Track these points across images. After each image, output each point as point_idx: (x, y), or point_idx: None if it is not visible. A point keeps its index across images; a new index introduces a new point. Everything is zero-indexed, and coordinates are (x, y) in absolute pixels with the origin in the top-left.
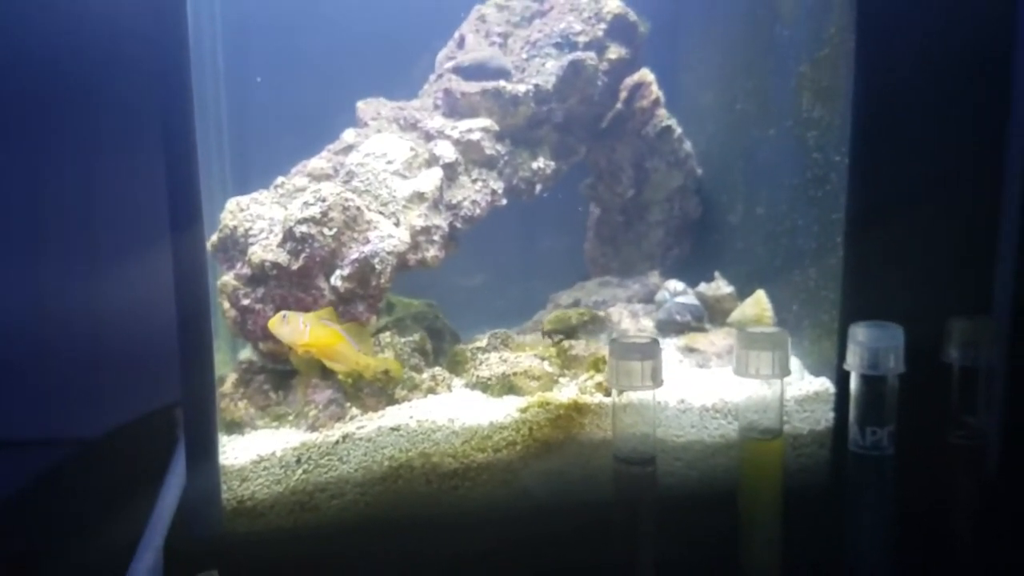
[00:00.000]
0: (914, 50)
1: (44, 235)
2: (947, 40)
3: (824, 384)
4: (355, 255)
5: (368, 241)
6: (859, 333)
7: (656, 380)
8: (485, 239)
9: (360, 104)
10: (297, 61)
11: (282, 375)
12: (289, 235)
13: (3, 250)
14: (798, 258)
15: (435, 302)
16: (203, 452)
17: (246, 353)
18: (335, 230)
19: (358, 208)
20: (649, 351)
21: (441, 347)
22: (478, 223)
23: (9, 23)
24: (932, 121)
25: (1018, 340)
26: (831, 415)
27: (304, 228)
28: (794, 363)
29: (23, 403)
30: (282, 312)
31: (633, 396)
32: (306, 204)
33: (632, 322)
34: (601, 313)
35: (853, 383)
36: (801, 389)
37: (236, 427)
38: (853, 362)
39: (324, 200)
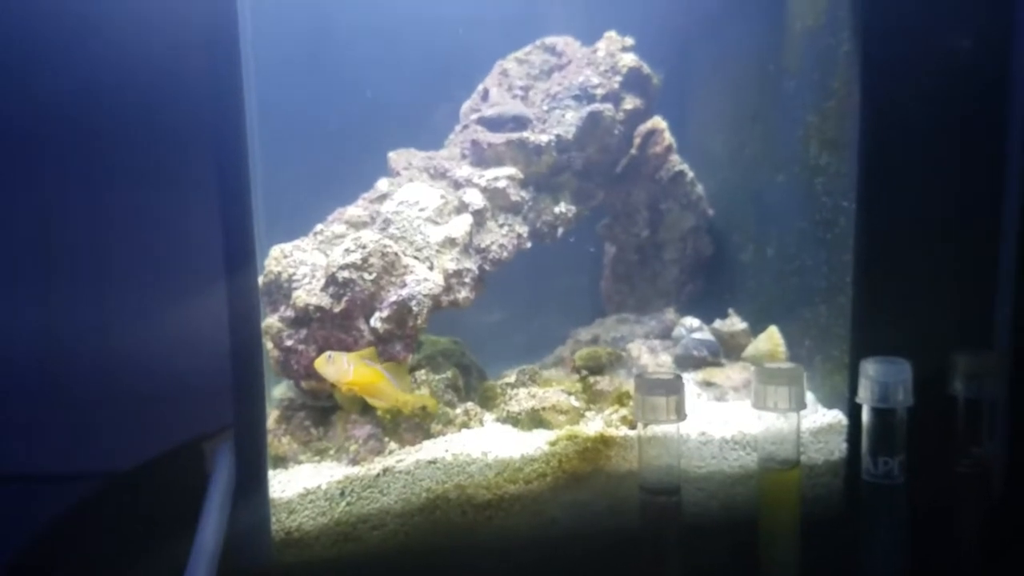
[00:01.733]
0: (916, 101)
1: (74, 265)
2: (947, 92)
3: (837, 416)
4: (393, 298)
5: (405, 284)
6: (869, 368)
7: (680, 414)
8: (504, 277)
9: (391, 154)
10: (315, 111)
11: (322, 412)
12: (332, 280)
13: (41, 280)
14: (808, 296)
15: (460, 339)
16: (254, 485)
17: (279, 391)
18: (375, 275)
19: (395, 254)
20: (673, 387)
21: (469, 383)
22: (504, 265)
23: (63, 52)
24: (934, 168)
25: (1020, 373)
26: (844, 446)
27: (346, 273)
28: (808, 396)
29: (54, 437)
30: (327, 353)
31: (658, 429)
32: (347, 251)
33: (651, 357)
34: (623, 352)
35: (865, 415)
36: (815, 421)
37: (280, 461)
38: (864, 395)
39: (364, 247)
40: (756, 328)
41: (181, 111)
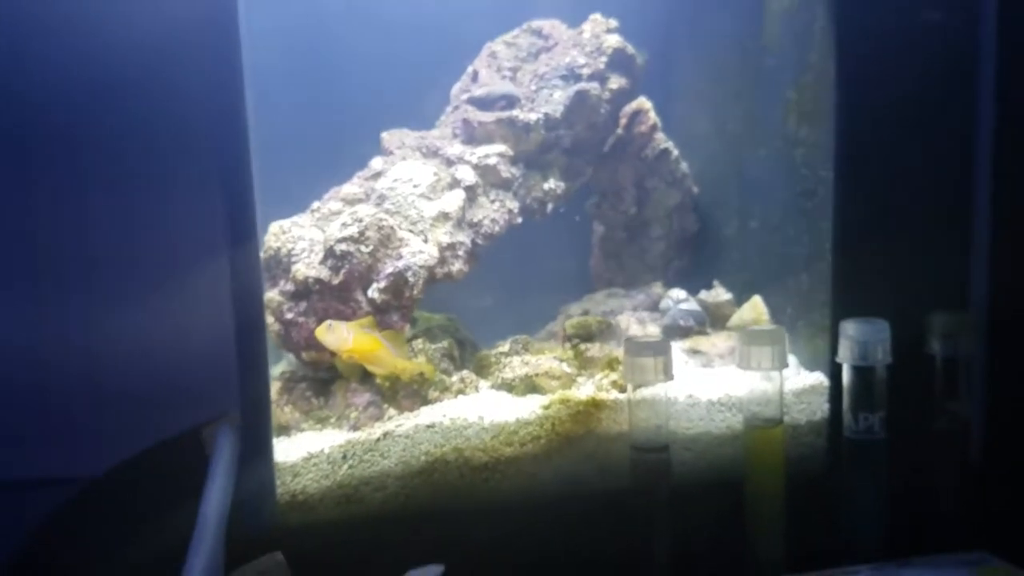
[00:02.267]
0: (889, 72)
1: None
2: (920, 61)
3: (819, 378)
4: (390, 269)
5: (401, 257)
6: (849, 328)
7: (668, 374)
8: (492, 260)
9: (384, 135)
10: (308, 92)
11: (322, 382)
12: (330, 253)
13: (44, 279)
14: (791, 265)
15: (455, 316)
16: (259, 450)
17: (280, 367)
18: (371, 247)
19: (391, 227)
20: (660, 348)
21: (464, 354)
22: (496, 240)
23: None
24: (908, 135)
25: (993, 332)
26: (826, 406)
27: (344, 246)
28: (790, 360)
29: (70, 439)
30: (327, 322)
31: (647, 391)
32: (345, 224)
33: (639, 328)
34: (613, 322)
35: (845, 374)
36: (798, 383)
37: (283, 430)
38: (844, 355)
39: (361, 220)
40: (741, 299)
41: (180, 85)
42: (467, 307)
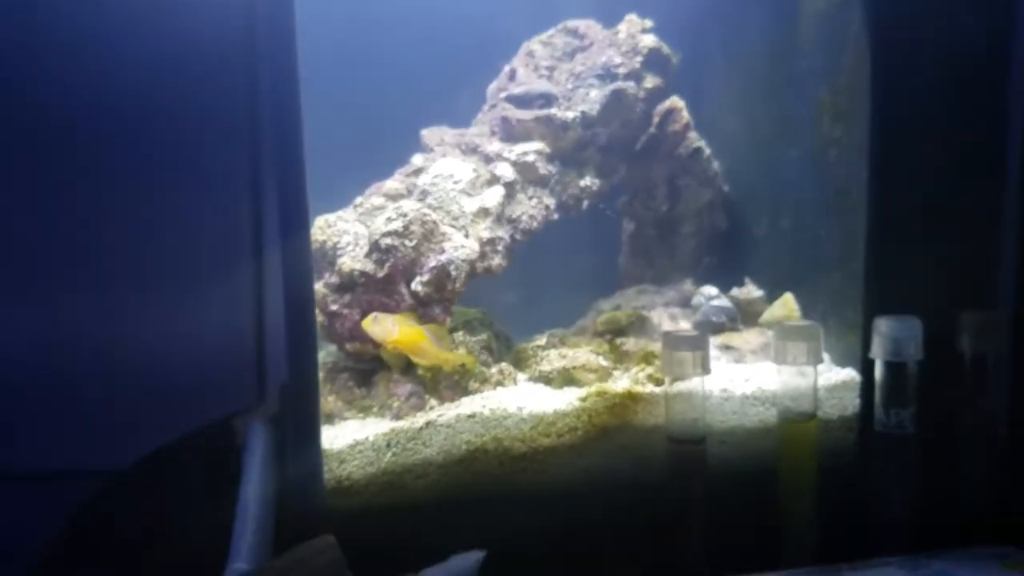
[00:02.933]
0: (923, 74)
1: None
2: (954, 62)
3: (850, 374)
4: (433, 263)
5: (444, 251)
6: (882, 325)
7: (705, 368)
8: (523, 255)
9: (424, 132)
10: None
11: (364, 372)
12: (375, 246)
13: (73, 271)
14: (822, 263)
15: (488, 310)
16: (307, 436)
17: (319, 356)
18: (415, 241)
19: (434, 222)
20: (698, 343)
21: (500, 348)
22: (533, 235)
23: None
24: (940, 136)
25: (1022, 329)
26: (857, 401)
27: (388, 240)
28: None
29: (98, 431)
30: (373, 314)
31: (684, 384)
32: (389, 219)
33: (672, 324)
34: (645, 314)
35: (877, 370)
36: (830, 379)
37: (328, 418)
38: (877, 351)
39: (405, 215)
40: (771, 296)
41: (238, 85)
42: (494, 302)
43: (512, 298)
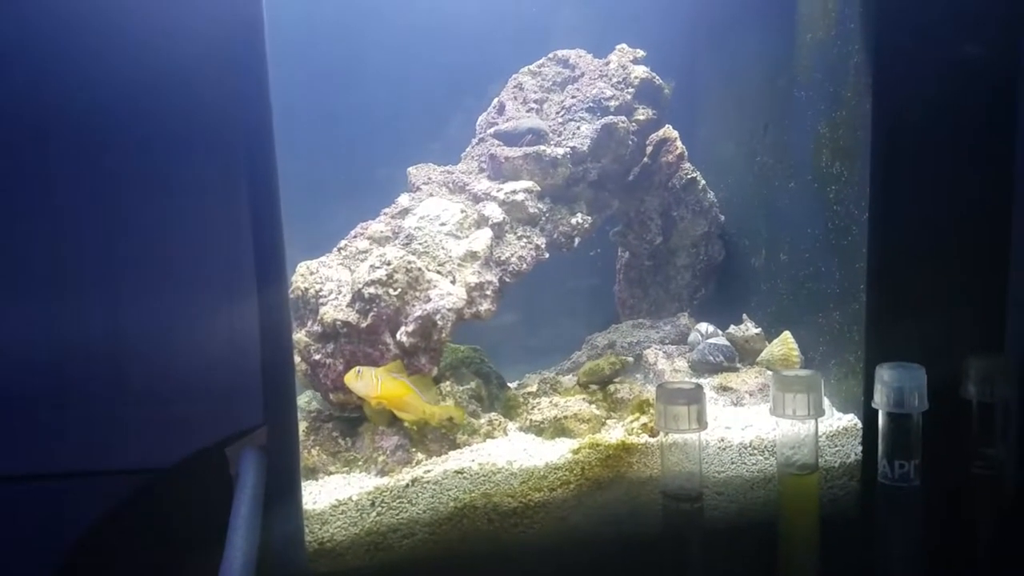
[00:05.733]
0: (927, 110)
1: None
2: (957, 100)
3: (852, 420)
4: (418, 313)
5: (429, 299)
6: (885, 374)
7: (701, 423)
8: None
9: (411, 169)
10: (327, 123)
11: (350, 423)
12: (358, 296)
13: (80, 284)
14: (822, 302)
15: (479, 347)
16: (288, 498)
17: (302, 400)
18: (400, 290)
19: (419, 269)
20: (694, 396)
21: (491, 391)
22: (523, 276)
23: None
24: (945, 176)
25: None
26: (859, 449)
27: (372, 289)
28: (823, 402)
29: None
30: (356, 368)
31: (679, 437)
32: (373, 267)
33: (667, 363)
34: (631, 359)
35: (881, 420)
36: (831, 425)
37: (310, 472)
38: (880, 401)
39: (389, 263)
40: (769, 332)
41: (212, 116)
42: (488, 326)
43: (508, 320)
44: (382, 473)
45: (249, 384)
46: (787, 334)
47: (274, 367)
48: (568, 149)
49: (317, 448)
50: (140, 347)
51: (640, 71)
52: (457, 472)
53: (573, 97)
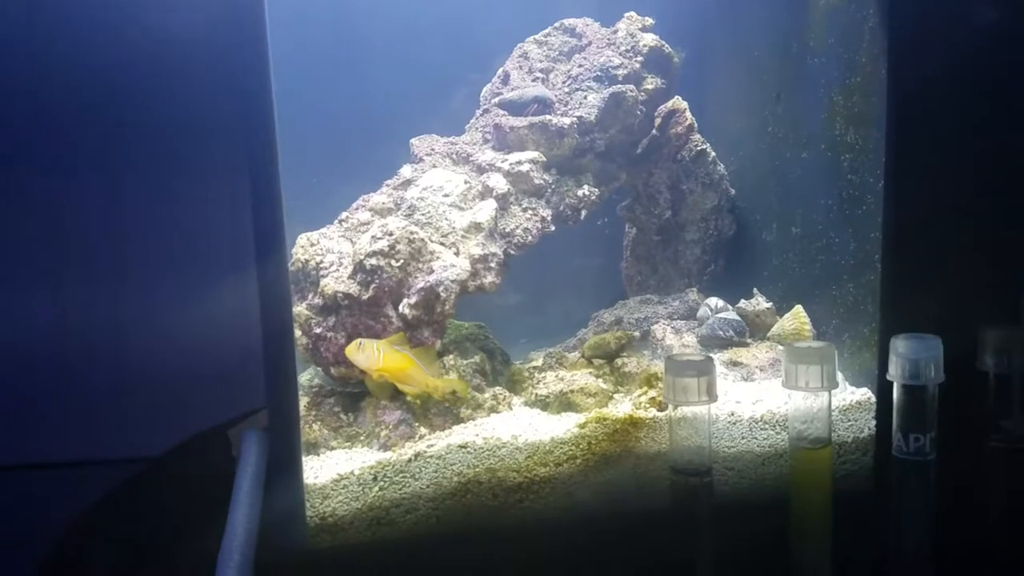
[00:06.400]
0: (944, 76)
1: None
2: (974, 65)
3: (866, 394)
4: (421, 284)
5: (432, 271)
6: (900, 345)
7: (711, 395)
8: (521, 257)
9: (414, 140)
10: (330, 98)
11: (351, 397)
12: (360, 267)
13: (86, 271)
14: (835, 274)
15: (483, 324)
16: (288, 472)
17: (305, 377)
18: (402, 262)
19: (422, 240)
20: (704, 368)
21: (495, 367)
22: (528, 249)
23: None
24: (961, 143)
25: None
26: (873, 423)
27: (374, 260)
28: (837, 375)
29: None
30: (357, 340)
31: (688, 410)
32: (374, 238)
33: (676, 338)
34: (637, 333)
35: (896, 393)
36: (844, 399)
37: (312, 448)
38: (895, 373)
39: (391, 234)
40: (781, 307)
41: (210, 97)
42: (493, 304)
43: (514, 300)
44: (384, 448)
45: (250, 366)
46: (799, 308)
47: (275, 349)
48: (575, 119)
49: (319, 423)
50: (140, 332)
51: (649, 39)
52: (461, 446)
53: (580, 66)
